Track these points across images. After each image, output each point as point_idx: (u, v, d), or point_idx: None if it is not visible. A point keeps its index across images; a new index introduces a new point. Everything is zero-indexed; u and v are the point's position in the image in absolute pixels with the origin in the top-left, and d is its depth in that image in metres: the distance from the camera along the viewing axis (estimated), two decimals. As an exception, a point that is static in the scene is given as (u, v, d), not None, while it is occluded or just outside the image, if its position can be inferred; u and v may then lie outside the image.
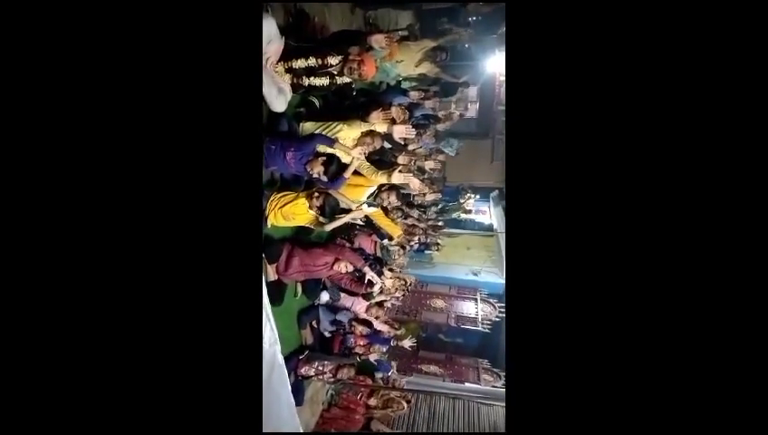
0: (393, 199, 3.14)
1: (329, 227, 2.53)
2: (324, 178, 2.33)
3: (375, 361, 3.31)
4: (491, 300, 6.15)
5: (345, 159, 2.56)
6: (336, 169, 2.38)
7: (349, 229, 3.48)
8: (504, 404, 4.29)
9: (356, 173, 2.72)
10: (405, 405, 3.67)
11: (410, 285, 3.59)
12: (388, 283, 3.21)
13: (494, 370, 5.67)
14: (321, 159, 2.33)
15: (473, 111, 9.33)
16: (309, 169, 2.29)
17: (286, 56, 2.28)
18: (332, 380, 3.04)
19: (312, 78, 2.39)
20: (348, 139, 2.58)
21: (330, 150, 2.48)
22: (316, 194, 2.34)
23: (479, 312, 6.00)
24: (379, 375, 3.78)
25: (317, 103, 2.87)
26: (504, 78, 7.62)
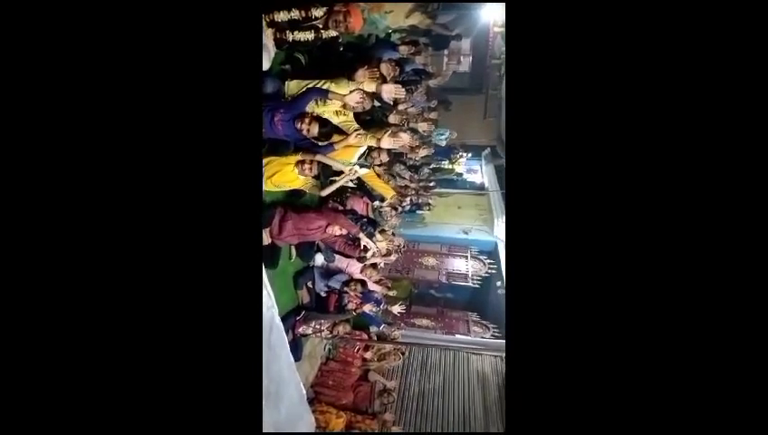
0: (384, 157, 3.10)
1: (324, 193, 2.51)
2: (316, 134, 2.26)
3: (368, 312, 3.43)
4: (481, 257, 6.32)
5: (336, 120, 2.49)
6: (330, 130, 2.31)
7: (341, 192, 3.46)
8: (492, 354, 4.56)
9: (345, 134, 2.66)
10: (399, 357, 3.88)
11: (401, 246, 3.65)
12: (382, 245, 3.26)
13: (483, 322, 5.96)
14: (312, 117, 2.25)
15: (465, 64, 9.00)
16: (300, 125, 2.21)
17: (268, 8, 2.13)
18: (330, 336, 3.18)
19: (295, 32, 2.26)
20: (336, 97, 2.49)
21: (318, 111, 2.40)
22: (308, 164, 2.30)
23: (469, 268, 6.19)
24: (373, 330, 3.94)
25: (302, 60, 2.73)
26: (498, 29, 7.29)
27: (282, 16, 2.17)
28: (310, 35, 2.28)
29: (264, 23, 2.16)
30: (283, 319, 2.68)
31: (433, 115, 4.29)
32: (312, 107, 2.37)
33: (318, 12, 2.20)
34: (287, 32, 2.24)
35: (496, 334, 5.69)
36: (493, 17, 6.61)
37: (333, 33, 2.32)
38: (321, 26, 2.26)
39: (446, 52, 7.57)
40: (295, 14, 2.17)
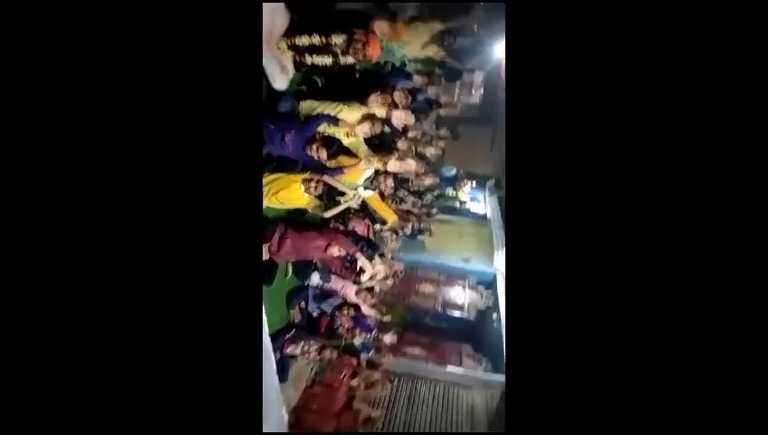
0: (390, 183, 3.12)
1: (327, 215, 2.51)
2: (325, 159, 2.28)
3: (360, 344, 3.38)
4: (479, 288, 6.25)
5: (345, 141, 2.51)
6: (336, 150, 2.33)
7: (343, 213, 3.46)
8: (483, 389, 4.44)
9: (353, 156, 2.68)
10: (387, 386, 3.77)
11: (400, 272, 3.62)
12: (379, 268, 3.23)
13: (477, 355, 5.83)
14: (321, 141, 2.28)
15: (476, 97, 9.19)
16: (310, 152, 2.24)
17: (290, 32, 2.20)
18: (317, 358, 3.10)
19: (315, 56, 2.32)
20: (348, 120, 2.52)
21: (329, 132, 2.43)
22: (314, 183, 2.31)
23: (466, 299, 6.11)
24: (363, 356, 3.85)
25: (319, 82, 2.78)
26: (510, 65, 7.47)
27: (303, 41, 2.23)
28: (328, 60, 2.34)
29: (285, 45, 2.22)
30: (273, 338, 2.63)
31: (441, 143, 4.33)
32: (323, 127, 2.39)
33: (338, 39, 2.26)
34: (306, 55, 2.30)
35: (489, 369, 5.55)
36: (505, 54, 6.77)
37: (351, 60, 2.37)
38: (340, 52, 2.32)
39: (458, 83, 7.75)
40: (316, 39, 2.23)
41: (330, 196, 2.55)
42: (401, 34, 3.05)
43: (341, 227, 3.33)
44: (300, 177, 2.41)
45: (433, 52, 3.67)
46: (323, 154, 2.20)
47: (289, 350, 2.95)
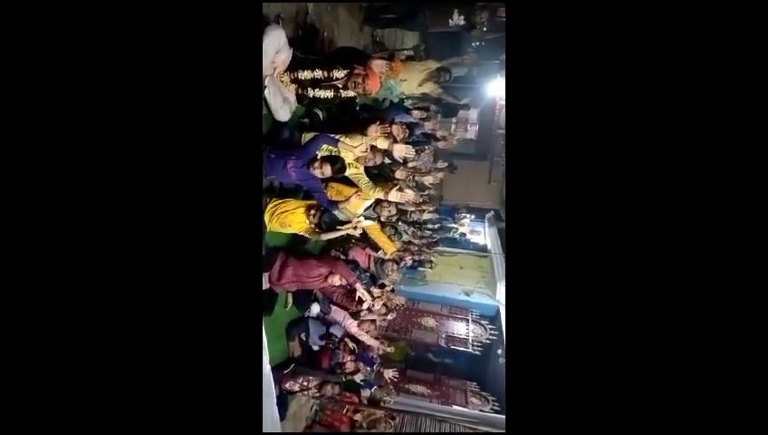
0: (392, 211, 3.14)
1: (324, 237, 2.51)
2: (329, 174, 2.30)
3: (361, 380, 3.26)
4: (482, 321, 6.09)
5: (347, 171, 2.56)
6: (341, 166, 2.36)
7: (344, 241, 3.46)
8: (491, 430, 4.20)
9: (354, 186, 2.72)
10: (391, 425, 3.58)
11: (400, 306, 3.56)
12: (379, 301, 3.17)
13: (483, 393, 5.59)
14: (324, 158, 2.31)
15: (472, 132, 9.51)
16: (313, 171, 2.27)
17: (293, 67, 2.31)
18: (317, 395, 2.97)
19: (316, 90, 2.42)
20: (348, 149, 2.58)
21: (333, 150, 2.47)
22: (313, 211, 2.33)
23: (470, 333, 5.94)
24: (365, 394, 3.69)
25: (320, 115, 2.89)
26: (503, 102, 7.79)
27: (305, 75, 2.34)
28: (329, 93, 2.44)
29: (288, 79, 2.33)
30: (272, 371, 2.54)
31: (440, 174, 4.41)
32: (323, 151, 2.44)
33: (339, 73, 2.37)
34: (309, 89, 2.40)
35: (496, 408, 5.30)
36: (500, 91, 7.09)
37: (351, 94, 2.48)
38: (340, 86, 2.43)
39: (454, 120, 8.04)
40: (318, 73, 2.35)
41: (329, 225, 2.56)
42: (399, 71, 3.21)
43: (342, 257, 3.32)
44: (305, 203, 2.43)
45: (430, 89, 3.84)
46: (327, 169, 2.24)
47: (287, 386, 2.84)
